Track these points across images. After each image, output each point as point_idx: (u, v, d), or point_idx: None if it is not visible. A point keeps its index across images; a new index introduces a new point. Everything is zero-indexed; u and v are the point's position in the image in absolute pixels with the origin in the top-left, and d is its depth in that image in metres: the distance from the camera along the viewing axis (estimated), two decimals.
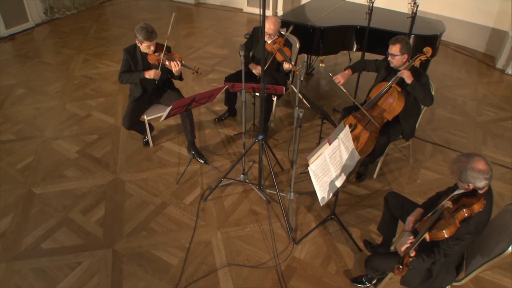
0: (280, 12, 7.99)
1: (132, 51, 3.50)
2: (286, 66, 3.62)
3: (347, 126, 2.67)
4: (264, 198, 3.30)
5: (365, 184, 3.49)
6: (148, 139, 3.92)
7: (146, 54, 3.47)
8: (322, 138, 3.44)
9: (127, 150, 3.88)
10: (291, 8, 8.20)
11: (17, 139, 4.04)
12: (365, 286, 2.58)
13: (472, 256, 2.18)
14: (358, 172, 3.55)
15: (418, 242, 1.94)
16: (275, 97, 3.99)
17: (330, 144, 2.47)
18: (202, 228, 3.06)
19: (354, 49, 4.37)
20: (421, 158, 3.81)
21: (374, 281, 2.58)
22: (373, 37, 4.09)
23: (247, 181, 3.42)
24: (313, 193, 3.37)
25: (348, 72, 3.41)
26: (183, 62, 3.47)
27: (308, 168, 2.33)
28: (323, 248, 2.90)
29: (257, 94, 3.72)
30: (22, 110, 4.51)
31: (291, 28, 3.62)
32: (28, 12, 6.70)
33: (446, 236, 1.89)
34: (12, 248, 2.89)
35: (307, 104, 3.22)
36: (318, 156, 2.39)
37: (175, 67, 3.42)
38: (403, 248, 1.99)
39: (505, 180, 3.54)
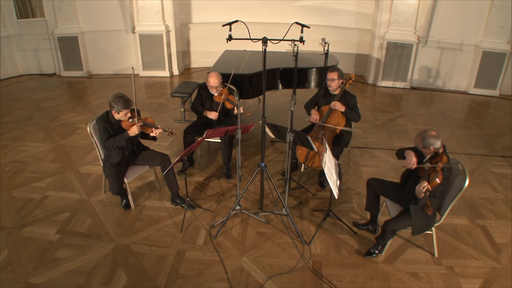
0: (176, 72, 8.62)
1: (106, 118, 3.68)
2: (236, 111, 4.20)
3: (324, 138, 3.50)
4: (263, 221, 3.81)
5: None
6: (129, 202, 4.00)
7: (119, 120, 3.69)
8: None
9: (111, 217, 3.88)
10: (183, 67, 8.98)
11: None
12: (376, 254, 3.33)
13: (442, 201, 3.17)
14: (320, 181, 4.37)
15: (426, 188, 2.78)
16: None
17: (326, 153, 3.23)
18: (228, 259, 3.37)
19: (280, 88, 5.32)
20: (356, 160, 4.89)
21: (379, 248, 3.35)
22: (290, 75, 5.07)
23: (243, 211, 3.87)
24: (298, 205, 4.03)
25: (314, 111, 4.28)
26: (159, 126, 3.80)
27: (324, 172, 3.04)
28: (329, 241, 3.56)
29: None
30: None
31: (231, 76, 4.32)
32: None
33: (439, 181, 2.84)
34: None
35: (273, 136, 3.88)
36: (325, 162, 3.12)
37: (156, 133, 3.75)
38: (424, 190, 2.78)
39: None
